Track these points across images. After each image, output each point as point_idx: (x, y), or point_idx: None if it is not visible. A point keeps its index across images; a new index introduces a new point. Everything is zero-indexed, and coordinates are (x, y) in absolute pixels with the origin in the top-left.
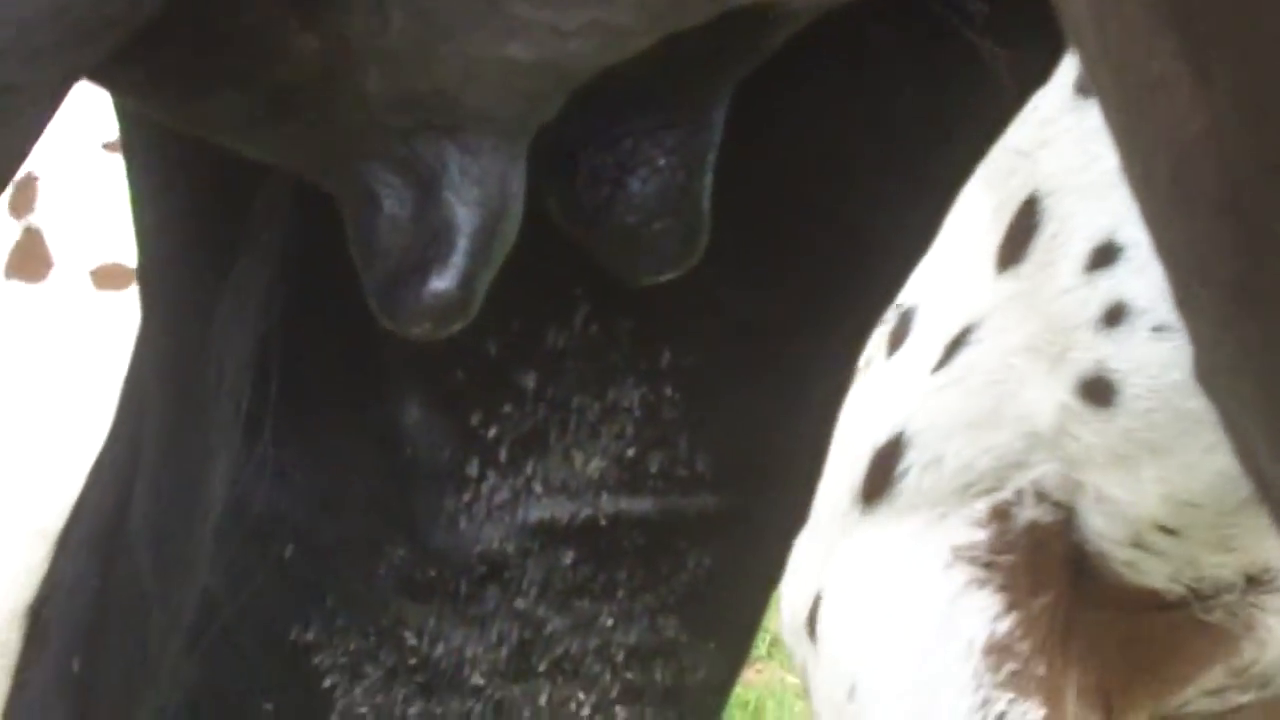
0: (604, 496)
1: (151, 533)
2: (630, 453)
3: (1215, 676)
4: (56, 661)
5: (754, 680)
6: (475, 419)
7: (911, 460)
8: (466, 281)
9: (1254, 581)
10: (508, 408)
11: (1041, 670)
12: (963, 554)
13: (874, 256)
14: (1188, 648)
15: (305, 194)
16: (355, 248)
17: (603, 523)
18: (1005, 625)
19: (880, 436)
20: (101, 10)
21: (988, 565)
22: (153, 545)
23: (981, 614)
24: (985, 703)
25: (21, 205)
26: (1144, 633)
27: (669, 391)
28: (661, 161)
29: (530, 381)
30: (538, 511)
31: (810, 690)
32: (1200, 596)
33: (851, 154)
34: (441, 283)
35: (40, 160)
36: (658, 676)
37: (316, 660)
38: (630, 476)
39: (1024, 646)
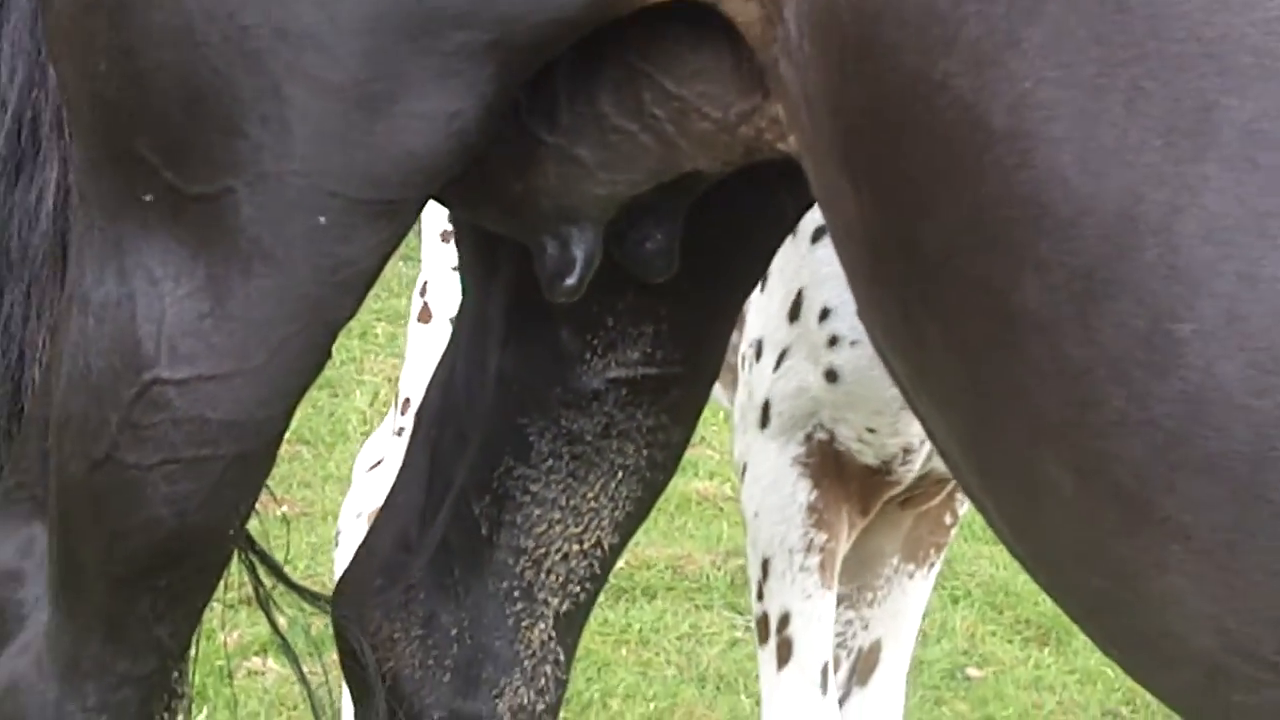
0: (638, 367)
1: (464, 382)
2: (647, 349)
3: (889, 493)
4: (425, 433)
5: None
6: (588, 337)
7: (775, 411)
8: (580, 280)
9: (906, 452)
10: (601, 333)
11: (829, 516)
12: (798, 461)
13: (737, 279)
14: (881, 485)
15: (519, 248)
16: (536, 267)
17: (638, 378)
18: (815, 495)
19: (763, 398)
20: (436, 169)
21: (806, 465)
22: (464, 387)
23: (806, 490)
24: (805, 533)
25: (423, 292)
26: (871, 484)
27: (664, 326)
28: (659, 237)
29: (610, 321)
30: (613, 373)
31: (741, 498)
32: (886, 465)
33: (729, 235)
34: (570, 280)
35: (430, 274)
36: (659, 438)
37: (527, 431)
38: (649, 359)
39: (821, 505)
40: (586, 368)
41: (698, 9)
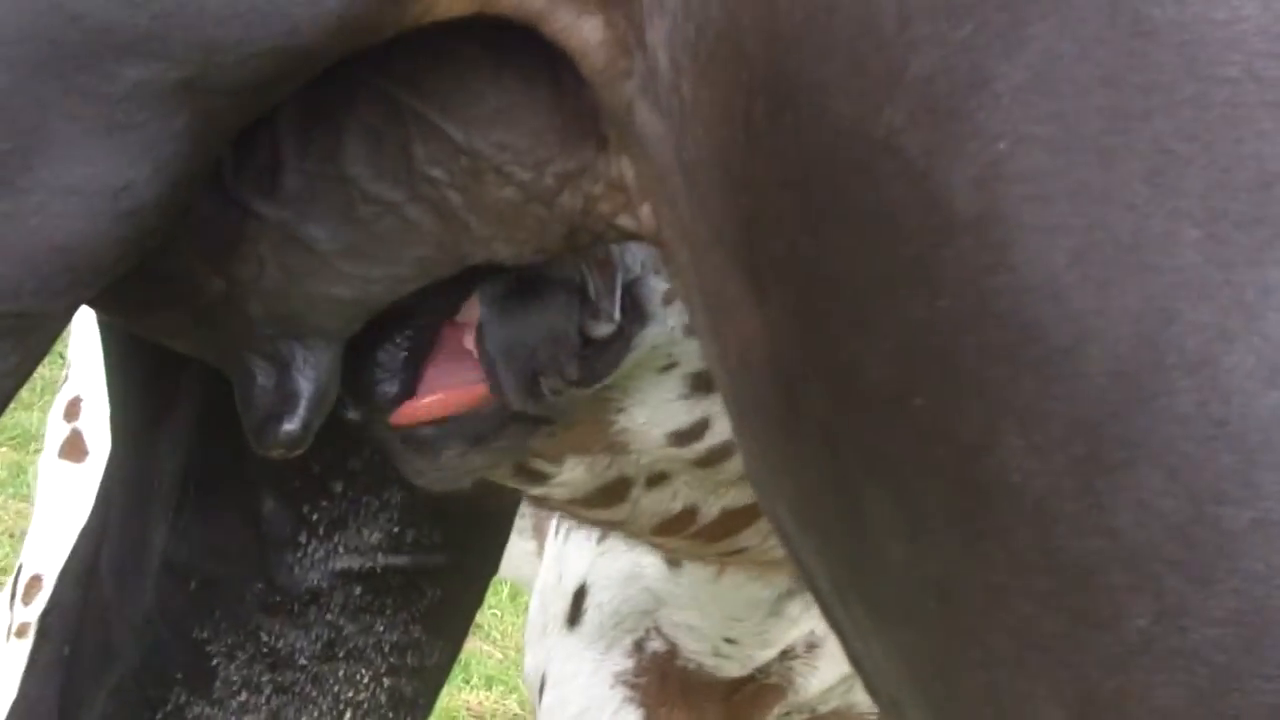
0: (379, 555)
1: (113, 572)
2: (395, 529)
3: (778, 709)
4: (55, 649)
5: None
6: (305, 509)
7: (590, 601)
8: (305, 425)
9: (785, 655)
10: (325, 503)
11: None
12: (620, 678)
13: None
14: (760, 699)
15: (210, 374)
16: (240, 404)
17: (378, 570)
18: None
19: (575, 583)
20: (95, 268)
21: (634, 686)
22: (114, 579)
23: None
24: None
25: (71, 414)
26: (735, 705)
27: (419, 494)
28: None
29: (338, 487)
30: (341, 563)
31: None
32: (761, 672)
33: None
34: (290, 425)
35: (84, 384)
36: (409, 660)
37: (209, 649)
38: (395, 543)
39: None
40: (301, 555)
41: (504, 27)
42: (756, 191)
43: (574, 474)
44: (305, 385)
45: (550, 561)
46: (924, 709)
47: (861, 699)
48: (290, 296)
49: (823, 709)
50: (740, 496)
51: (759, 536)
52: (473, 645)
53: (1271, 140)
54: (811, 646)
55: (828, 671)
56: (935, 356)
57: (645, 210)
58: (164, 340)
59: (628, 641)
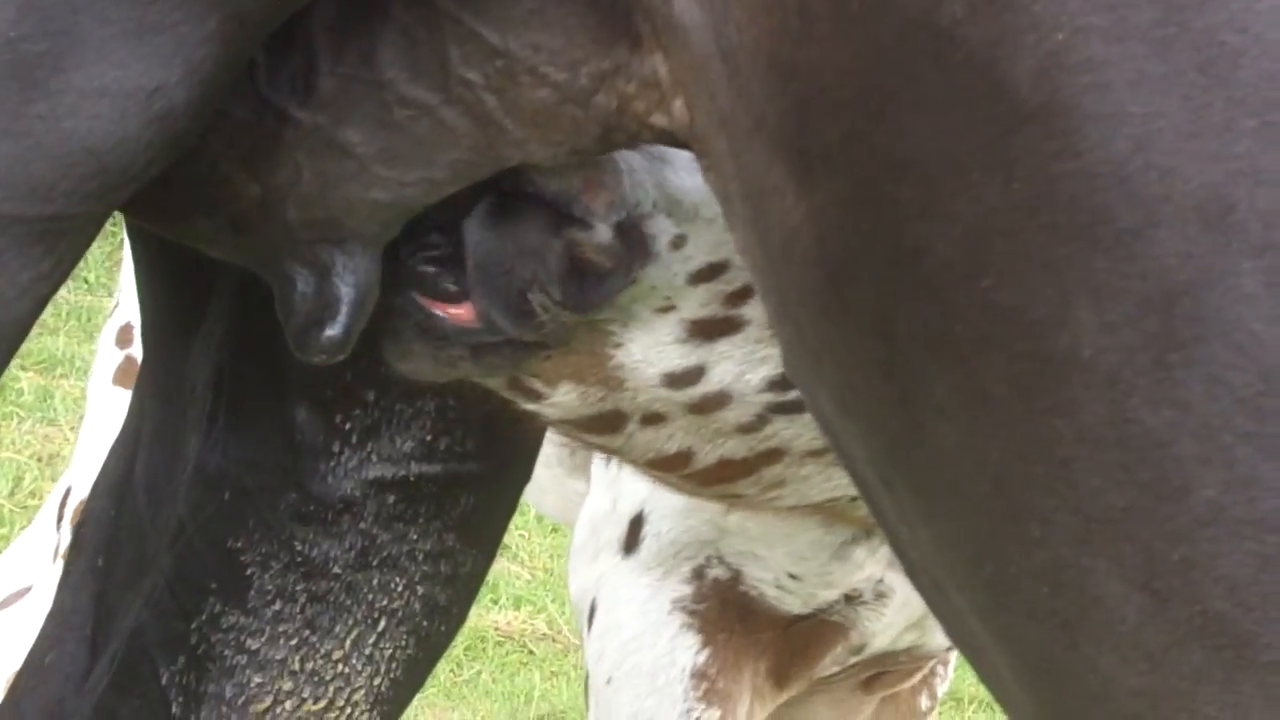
0: (412, 463)
1: (147, 483)
2: (428, 437)
3: (837, 652)
4: (88, 560)
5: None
6: (338, 418)
7: (648, 530)
8: (347, 330)
9: (849, 598)
10: (357, 411)
11: (722, 685)
12: (678, 604)
13: None
14: (820, 639)
15: (243, 282)
16: (280, 311)
17: (411, 479)
18: (703, 658)
19: (633, 510)
20: (127, 171)
21: (692, 611)
22: (148, 490)
23: (689, 650)
24: (688, 711)
25: (124, 340)
26: (793, 635)
27: (451, 401)
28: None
29: (371, 396)
30: (374, 472)
31: (585, 654)
32: (821, 611)
33: None
34: (332, 331)
35: (136, 310)
36: (443, 568)
37: (243, 559)
38: (428, 452)
39: (713, 670)
40: (334, 464)
41: None
42: (809, 78)
43: (567, 398)
44: (346, 290)
45: (602, 489)
46: (970, 590)
47: (929, 641)
48: (327, 201)
49: (888, 650)
50: (739, 449)
51: (757, 487)
52: (500, 566)
53: None
54: (880, 596)
55: (895, 618)
56: (1007, 237)
57: (678, 106)
58: (201, 247)
59: (686, 569)
